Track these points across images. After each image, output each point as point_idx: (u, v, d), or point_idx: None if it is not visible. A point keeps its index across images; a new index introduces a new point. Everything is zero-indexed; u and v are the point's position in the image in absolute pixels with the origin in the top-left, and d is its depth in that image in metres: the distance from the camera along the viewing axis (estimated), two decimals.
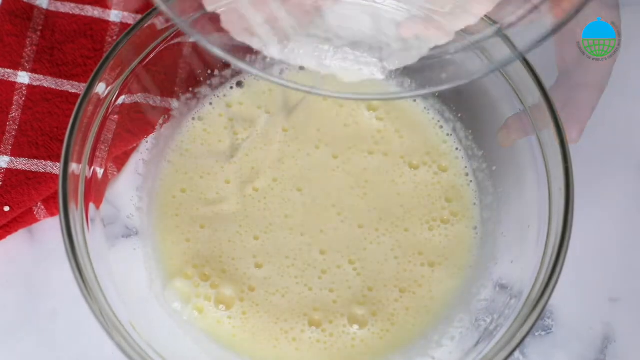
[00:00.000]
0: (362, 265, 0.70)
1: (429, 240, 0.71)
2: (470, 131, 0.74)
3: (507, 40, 0.55)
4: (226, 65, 0.75)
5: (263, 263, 0.70)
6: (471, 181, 0.73)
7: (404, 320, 0.69)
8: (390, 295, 0.70)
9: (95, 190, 0.67)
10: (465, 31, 0.52)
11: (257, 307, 0.69)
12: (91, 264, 0.62)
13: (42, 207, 0.72)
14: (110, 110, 0.68)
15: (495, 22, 0.52)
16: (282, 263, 0.70)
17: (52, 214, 0.72)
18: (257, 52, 0.53)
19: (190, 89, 0.74)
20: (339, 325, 0.69)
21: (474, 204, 0.73)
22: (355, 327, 0.69)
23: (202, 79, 0.75)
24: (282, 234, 0.71)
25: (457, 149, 0.74)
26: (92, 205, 0.66)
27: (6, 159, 0.71)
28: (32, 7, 0.75)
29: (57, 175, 0.71)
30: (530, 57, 0.65)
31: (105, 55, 0.65)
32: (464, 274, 0.70)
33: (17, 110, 0.73)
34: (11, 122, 0.72)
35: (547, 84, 0.65)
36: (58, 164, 0.71)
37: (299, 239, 0.71)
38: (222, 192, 0.72)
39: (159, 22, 0.68)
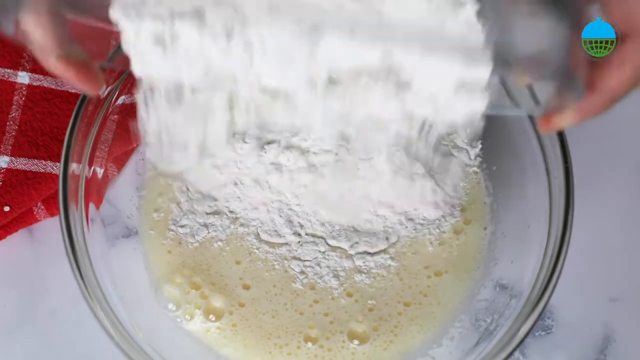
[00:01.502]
0: (362, 295, 0.68)
1: (439, 254, 0.70)
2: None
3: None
4: None
5: (250, 285, 0.68)
6: (480, 179, 0.73)
7: (408, 329, 0.68)
8: (394, 310, 0.68)
9: (95, 190, 0.67)
10: None
11: (247, 321, 0.67)
12: (91, 264, 0.62)
13: (42, 207, 0.72)
14: (110, 111, 0.68)
15: None
16: (270, 290, 0.68)
17: (52, 214, 0.72)
18: None
19: None
20: (337, 341, 0.67)
21: (484, 202, 0.72)
22: (356, 342, 0.67)
23: None
24: (264, 266, 0.69)
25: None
26: (92, 205, 0.66)
27: (6, 159, 0.71)
28: None
29: (57, 175, 0.71)
30: None
31: None
32: (472, 276, 0.69)
33: (17, 110, 0.73)
34: (11, 122, 0.72)
35: None
36: (58, 164, 0.71)
37: (283, 274, 0.69)
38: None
39: None
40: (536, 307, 0.60)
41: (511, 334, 0.60)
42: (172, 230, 0.70)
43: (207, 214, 0.70)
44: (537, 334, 0.71)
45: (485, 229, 0.71)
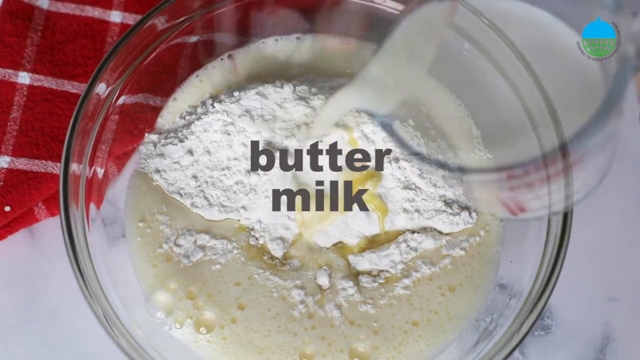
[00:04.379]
0: (367, 324, 0.66)
1: (456, 269, 0.68)
2: None
3: None
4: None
5: (245, 306, 0.66)
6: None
7: (415, 345, 0.65)
8: (398, 330, 0.66)
9: (95, 190, 0.67)
10: None
11: (237, 336, 0.65)
12: (92, 264, 0.62)
13: (43, 207, 0.72)
14: (110, 111, 0.68)
15: None
16: (264, 313, 0.66)
17: (52, 214, 0.72)
18: None
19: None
20: (337, 359, 0.65)
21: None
22: None
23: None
24: (262, 291, 0.66)
25: None
26: (92, 205, 0.66)
27: (7, 159, 0.71)
28: (32, 8, 0.76)
29: (57, 175, 0.71)
30: (530, 57, 0.66)
31: (105, 55, 0.65)
32: (487, 283, 0.67)
33: (17, 110, 0.73)
34: (12, 122, 0.73)
35: (548, 85, 0.65)
36: (59, 164, 0.71)
37: (281, 302, 0.66)
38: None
39: (159, 23, 0.68)
40: (536, 307, 0.60)
41: (511, 333, 0.61)
42: (163, 248, 0.68)
43: (209, 237, 0.68)
44: (536, 333, 0.71)
45: (502, 221, 0.69)
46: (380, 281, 0.66)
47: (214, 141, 0.68)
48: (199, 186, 0.68)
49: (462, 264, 0.67)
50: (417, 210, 0.67)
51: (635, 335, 0.71)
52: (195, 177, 0.68)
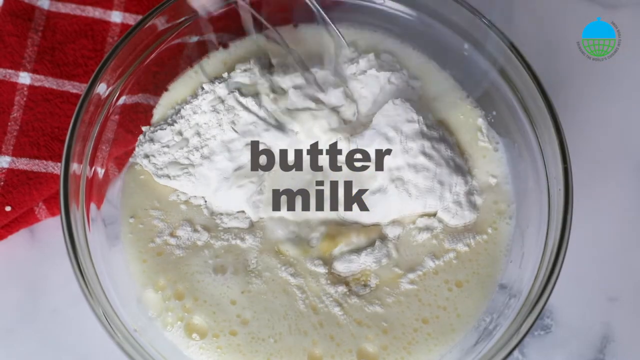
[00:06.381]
0: (376, 323, 0.65)
1: (462, 264, 0.68)
2: None
3: None
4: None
5: (249, 320, 0.65)
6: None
7: (424, 345, 0.65)
8: (408, 328, 0.65)
9: (96, 190, 0.67)
10: None
11: (238, 346, 0.64)
12: (92, 264, 0.62)
13: (44, 207, 0.72)
14: (111, 111, 0.68)
15: None
16: (271, 318, 0.65)
17: (53, 214, 0.72)
18: None
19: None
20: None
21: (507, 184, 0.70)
22: None
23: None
24: (265, 297, 0.66)
25: None
26: (93, 205, 0.66)
27: (7, 159, 0.72)
28: (33, 8, 0.76)
29: (58, 175, 0.71)
30: (532, 60, 0.66)
31: (106, 55, 0.65)
32: (494, 281, 0.67)
33: (18, 110, 0.73)
34: (12, 122, 0.73)
35: (548, 87, 0.65)
36: (59, 164, 0.71)
37: (285, 296, 0.66)
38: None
39: (159, 23, 0.68)
40: (535, 307, 0.60)
41: (510, 333, 0.61)
42: (156, 242, 0.67)
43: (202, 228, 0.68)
44: (536, 333, 0.71)
45: (510, 218, 0.69)
46: (372, 287, 0.66)
47: (204, 123, 0.68)
48: (186, 168, 0.68)
49: (468, 260, 0.67)
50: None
51: (635, 335, 0.71)
52: (186, 159, 0.68)
